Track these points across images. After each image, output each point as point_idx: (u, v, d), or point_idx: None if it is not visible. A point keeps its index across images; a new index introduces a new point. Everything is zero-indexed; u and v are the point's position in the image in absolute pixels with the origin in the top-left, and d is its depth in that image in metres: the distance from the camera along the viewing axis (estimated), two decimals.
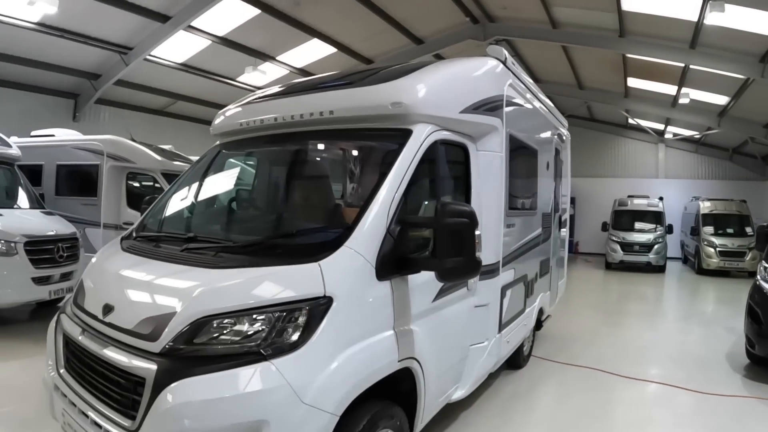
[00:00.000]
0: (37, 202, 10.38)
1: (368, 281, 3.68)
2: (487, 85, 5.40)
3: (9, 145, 10.34)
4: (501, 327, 5.94)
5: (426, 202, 4.64)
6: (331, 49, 18.62)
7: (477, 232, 3.84)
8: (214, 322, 3.27)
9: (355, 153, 5.14)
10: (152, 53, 16.97)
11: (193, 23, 15.38)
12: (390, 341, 3.85)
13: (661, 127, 26.25)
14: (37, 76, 17.66)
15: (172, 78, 19.57)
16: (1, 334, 8.62)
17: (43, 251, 9.01)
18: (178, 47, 17.15)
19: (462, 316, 5.08)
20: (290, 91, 5.19)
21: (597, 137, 28.38)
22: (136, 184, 12.39)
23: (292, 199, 5.37)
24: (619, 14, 14.66)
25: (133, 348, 3.42)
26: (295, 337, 3.25)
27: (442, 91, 4.63)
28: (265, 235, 4.54)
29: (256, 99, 5.43)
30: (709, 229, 21.18)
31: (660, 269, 21.60)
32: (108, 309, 3.77)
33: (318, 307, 3.34)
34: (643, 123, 26.03)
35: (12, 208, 9.71)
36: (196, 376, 3.08)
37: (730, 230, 21.10)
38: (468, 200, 5.08)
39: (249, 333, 3.24)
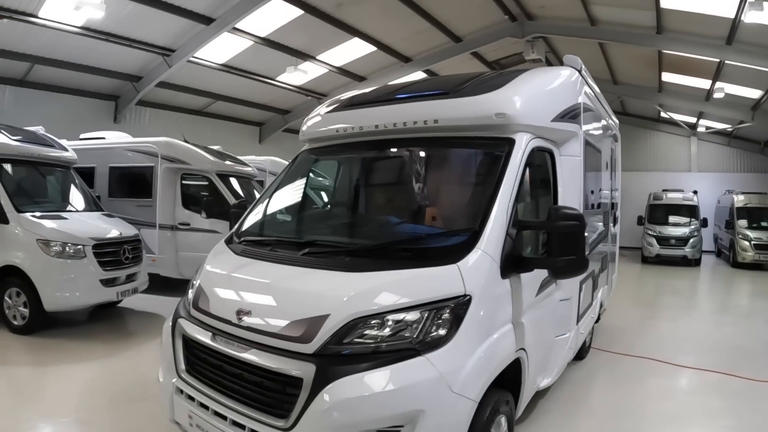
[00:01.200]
0: (95, 205, 10.35)
1: (495, 280, 3.91)
2: (569, 94, 5.55)
3: (65, 149, 10.32)
4: (578, 319, 6.11)
5: (526, 205, 4.77)
6: (370, 48, 18.53)
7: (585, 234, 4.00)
8: (368, 322, 3.47)
9: (462, 160, 5.20)
10: (194, 55, 16.91)
11: (237, 25, 15.33)
12: (510, 333, 4.11)
13: (693, 120, 25.83)
14: (79, 79, 17.68)
15: (212, 78, 19.54)
16: (68, 336, 8.58)
17: (109, 253, 8.98)
18: (220, 48, 17.10)
19: (552, 309, 5.26)
20: (385, 99, 5.19)
21: (629, 131, 27.65)
22: (190, 185, 12.39)
23: (412, 204, 5.35)
24: (657, 12, 14.49)
25: (281, 350, 3.55)
26: (443, 332, 3.48)
27: (537, 102, 4.78)
28: (390, 239, 4.62)
29: (349, 106, 5.41)
30: (744, 222, 20.86)
31: (695, 263, 21.36)
32: (243, 313, 3.85)
33: (460, 305, 3.58)
34: (676, 116, 25.65)
35: (73, 211, 9.72)
36: (355, 373, 3.27)
37: (764, 223, 20.69)
38: (556, 201, 5.18)
39: (401, 331, 3.46)
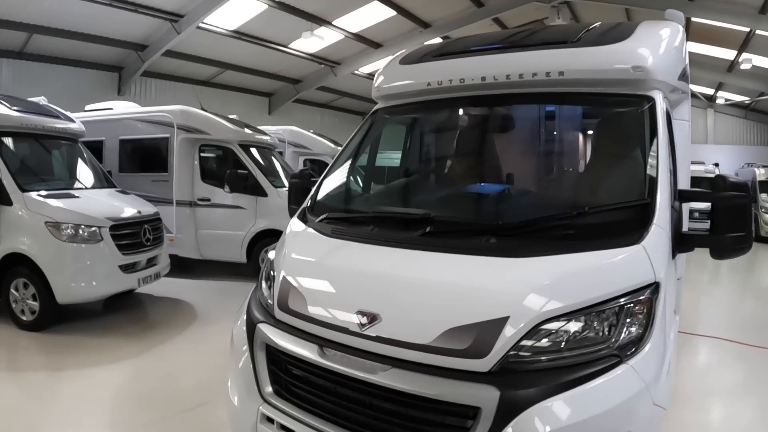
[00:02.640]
0: (107, 181, 9.10)
1: (670, 261, 3.13)
2: (682, 51, 4.64)
3: (72, 120, 9.04)
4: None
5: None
6: (389, 12, 17.40)
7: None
8: (557, 324, 2.61)
9: (601, 119, 4.24)
10: (205, 20, 15.65)
11: None
12: (676, 324, 3.54)
13: (710, 92, 25.15)
14: (81, 49, 16.46)
15: (222, 46, 18.35)
16: (85, 331, 7.30)
17: (129, 235, 7.76)
18: (232, 13, 15.85)
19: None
20: (489, 48, 4.18)
21: None
22: (209, 157, 11.18)
23: (552, 171, 4.59)
24: None
25: (438, 369, 2.61)
26: (640, 331, 2.71)
27: (667, 57, 3.94)
28: (543, 213, 3.59)
29: (442, 55, 4.33)
30: (766, 196, 20.03)
31: None
32: (367, 318, 2.84)
33: (653, 295, 2.79)
34: (694, 88, 24.74)
35: (83, 188, 8.43)
36: (552, 396, 2.45)
37: None
38: (675, 170, 4.25)
39: (598, 333, 2.66)
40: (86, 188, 8.47)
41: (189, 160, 10.80)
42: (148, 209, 8.53)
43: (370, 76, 23.68)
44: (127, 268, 7.69)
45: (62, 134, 8.75)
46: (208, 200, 10.68)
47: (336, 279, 3.24)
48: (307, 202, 4.14)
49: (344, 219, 3.88)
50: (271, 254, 3.70)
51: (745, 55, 17.99)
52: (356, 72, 23.13)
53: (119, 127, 11.42)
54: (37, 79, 15.82)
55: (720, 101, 26.04)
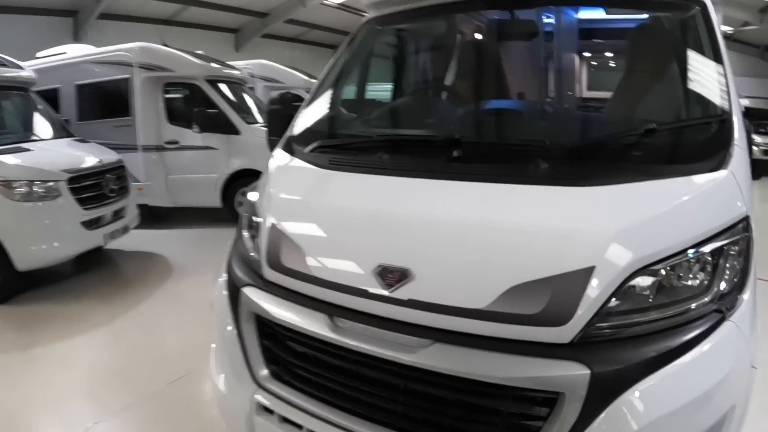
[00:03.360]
0: (63, 130, 8.22)
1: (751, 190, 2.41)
2: None
3: (20, 67, 8.06)
4: None
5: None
6: None
7: None
8: (653, 275, 1.92)
9: (648, 25, 3.51)
10: None
11: None
12: None
13: None
14: None
15: None
16: (53, 299, 6.51)
17: (90, 187, 6.92)
18: None
19: None
20: None
21: None
22: (174, 97, 10.26)
23: (607, 83, 3.86)
24: None
25: (497, 341, 1.88)
26: (739, 277, 2.05)
27: None
28: (603, 132, 2.97)
29: None
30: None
31: None
32: (395, 275, 2.05)
33: (747, 232, 2.14)
34: None
35: (37, 140, 7.57)
36: (657, 371, 1.81)
37: None
38: None
39: (697, 283, 1.97)
40: (40, 140, 7.60)
41: (153, 102, 9.89)
42: (110, 157, 7.69)
43: (341, 6, 22.42)
44: (91, 224, 6.88)
45: (10, 83, 7.83)
46: (177, 143, 9.83)
47: (345, 224, 2.43)
48: (292, 130, 3.30)
49: (343, 146, 3.07)
50: (252, 196, 2.90)
51: None
52: (326, 2, 21.78)
53: (74, 72, 10.42)
54: None
55: None
